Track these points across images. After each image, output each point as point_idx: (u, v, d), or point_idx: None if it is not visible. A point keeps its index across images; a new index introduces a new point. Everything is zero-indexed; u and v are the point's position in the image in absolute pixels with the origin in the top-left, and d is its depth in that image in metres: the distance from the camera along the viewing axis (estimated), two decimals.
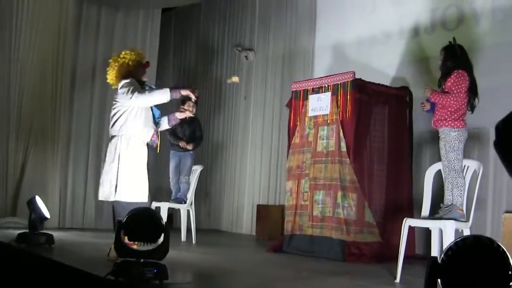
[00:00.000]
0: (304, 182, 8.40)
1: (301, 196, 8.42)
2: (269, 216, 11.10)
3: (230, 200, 12.82)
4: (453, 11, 8.61)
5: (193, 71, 14.33)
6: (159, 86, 7.53)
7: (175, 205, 9.81)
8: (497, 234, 7.28)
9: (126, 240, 5.31)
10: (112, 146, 6.78)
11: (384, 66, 9.35)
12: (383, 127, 8.37)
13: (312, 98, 8.45)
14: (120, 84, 6.82)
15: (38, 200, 7.89)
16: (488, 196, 7.78)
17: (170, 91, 6.78)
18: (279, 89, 11.75)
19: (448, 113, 6.32)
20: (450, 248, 3.00)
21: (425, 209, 6.62)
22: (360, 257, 7.60)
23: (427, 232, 7.64)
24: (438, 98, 6.39)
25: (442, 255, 3.00)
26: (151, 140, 6.87)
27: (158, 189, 11.11)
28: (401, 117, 8.59)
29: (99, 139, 11.94)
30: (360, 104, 8.00)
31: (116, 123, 6.79)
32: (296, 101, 8.75)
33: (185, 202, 9.78)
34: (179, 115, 7.44)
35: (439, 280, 3.00)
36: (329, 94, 8.21)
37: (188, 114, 7.75)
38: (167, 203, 9.62)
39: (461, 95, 6.30)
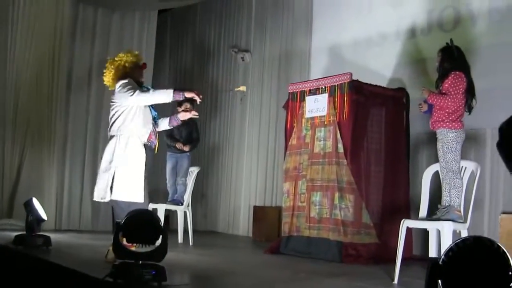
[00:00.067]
0: (301, 184, 8.40)
1: (298, 198, 8.42)
2: (265, 217, 11.09)
3: (226, 202, 12.82)
4: (450, 12, 8.62)
5: (189, 73, 14.33)
6: (156, 87, 7.47)
7: (172, 207, 9.80)
8: (494, 235, 7.29)
9: (124, 242, 5.32)
10: (110, 146, 6.76)
11: (381, 68, 9.36)
12: (380, 128, 8.37)
13: (309, 100, 8.46)
14: (118, 84, 6.81)
15: (35, 202, 7.89)
16: (485, 197, 7.79)
17: (173, 92, 6.76)
18: (276, 90, 11.75)
19: (446, 114, 6.33)
20: (450, 249, 3.00)
21: (423, 210, 6.63)
22: (357, 258, 7.61)
23: (424, 233, 7.65)
24: (435, 100, 6.40)
25: (443, 256, 3.01)
26: (149, 141, 6.86)
27: (154, 191, 11.10)
28: (398, 118, 8.59)
29: (95, 140, 11.93)
30: (357, 106, 8.00)
31: (115, 124, 6.77)
32: (293, 103, 8.75)
33: (182, 204, 9.77)
34: (182, 116, 7.38)
35: (439, 281, 3.00)
36: (326, 95, 8.21)
37: (192, 115, 7.60)
38: (164, 204, 9.62)
39: (459, 97, 6.31)
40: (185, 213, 9.79)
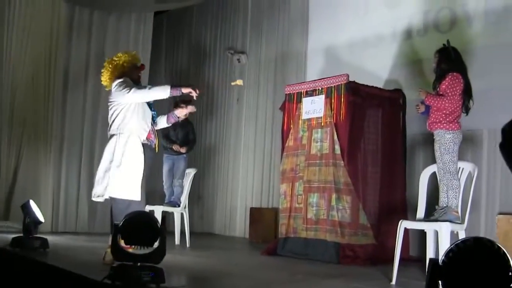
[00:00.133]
0: (298, 185, 8.40)
1: (295, 199, 8.42)
2: (262, 219, 11.11)
3: (223, 203, 12.82)
4: (446, 14, 8.63)
5: (185, 74, 14.31)
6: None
7: (169, 209, 9.78)
8: (491, 235, 7.30)
9: (122, 243, 5.32)
10: (110, 145, 6.74)
11: (377, 69, 9.36)
12: (376, 129, 8.38)
13: (306, 101, 8.46)
14: (114, 83, 6.80)
15: (32, 204, 7.88)
16: (482, 198, 7.81)
17: (171, 88, 6.75)
18: (272, 92, 11.76)
19: (443, 115, 6.34)
20: (450, 250, 3.01)
21: (420, 211, 6.64)
22: (355, 259, 7.61)
23: (420, 234, 7.67)
24: (433, 101, 6.41)
25: (443, 257, 3.01)
26: (148, 139, 6.85)
27: (151, 193, 11.08)
28: (394, 119, 8.61)
29: (92, 141, 11.91)
30: (354, 107, 8.01)
31: (114, 122, 6.76)
32: (290, 104, 8.75)
33: (179, 206, 9.77)
34: (179, 112, 7.36)
35: (440, 281, 3.00)
36: (322, 97, 8.22)
37: (190, 110, 7.56)
38: (161, 206, 9.62)
39: (456, 98, 6.32)
40: (182, 214, 9.79)
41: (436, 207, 6.41)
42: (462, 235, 6.15)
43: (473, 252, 2.98)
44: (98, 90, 11.05)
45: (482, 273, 2.93)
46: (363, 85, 8.21)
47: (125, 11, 12.49)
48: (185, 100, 7.73)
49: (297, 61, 11.25)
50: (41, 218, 7.91)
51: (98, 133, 11.83)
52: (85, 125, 11.96)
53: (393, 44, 9.34)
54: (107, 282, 5.02)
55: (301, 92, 8.59)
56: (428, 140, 7.89)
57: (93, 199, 6.89)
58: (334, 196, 7.82)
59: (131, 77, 6.97)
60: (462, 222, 6.22)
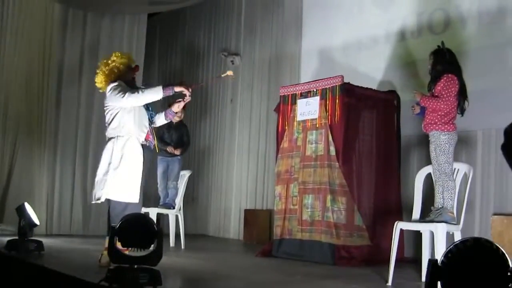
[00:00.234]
0: (293, 187, 8.41)
1: (290, 201, 8.43)
2: (256, 220, 11.13)
3: (217, 205, 12.83)
4: (440, 15, 8.65)
5: (178, 76, 14.30)
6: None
7: (164, 211, 9.78)
8: (486, 236, 7.28)
9: (119, 246, 5.32)
10: (108, 148, 6.76)
11: (371, 70, 9.38)
12: (371, 130, 8.39)
13: (301, 103, 8.47)
14: (109, 88, 6.81)
15: (28, 206, 7.86)
16: (476, 199, 7.82)
17: (163, 89, 6.75)
18: (266, 93, 11.77)
19: (439, 117, 6.35)
20: (450, 251, 3.02)
21: (416, 212, 6.65)
22: (350, 260, 7.62)
23: (415, 235, 7.71)
24: (428, 102, 6.42)
25: (442, 258, 3.02)
26: (147, 140, 6.85)
27: (145, 195, 11.08)
28: (389, 120, 8.63)
29: (86, 144, 11.89)
30: (349, 108, 8.03)
31: (111, 125, 6.78)
32: (285, 106, 8.77)
33: (174, 208, 9.76)
34: (175, 108, 7.33)
35: (439, 282, 3.02)
36: (317, 98, 8.23)
37: (186, 100, 7.45)
38: (156, 208, 9.60)
39: (451, 99, 6.34)
40: (176, 216, 9.79)
41: (432, 208, 6.42)
42: (457, 236, 6.17)
43: (472, 253, 2.99)
44: (92, 92, 11.02)
45: (481, 274, 2.94)
46: (357, 86, 8.23)
47: (119, 13, 12.47)
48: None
49: (291, 62, 11.26)
50: (36, 220, 7.89)
51: (92, 136, 11.83)
52: (79, 126, 11.93)
53: (387, 45, 9.36)
54: (104, 285, 5.02)
55: (295, 93, 8.61)
56: (423, 141, 7.91)
57: (93, 201, 6.87)
58: (329, 197, 7.83)
59: (126, 79, 6.98)
60: (458, 223, 6.24)
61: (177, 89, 6.85)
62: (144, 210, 8.83)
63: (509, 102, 7.58)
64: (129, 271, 5.08)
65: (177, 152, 9.95)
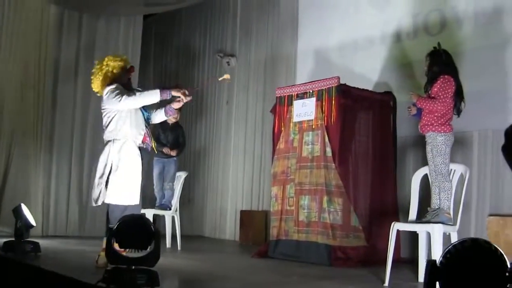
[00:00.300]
0: (290, 188, 8.41)
1: (287, 202, 8.43)
2: (252, 221, 11.14)
3: (213, 206, 12.83)
4: (436, 16, 8.67)
5: (174, 78, 14.29)
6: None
7: (160, 212, 9.79)
8: (481, 236, 7.30)
9: (116, 247, 5.31)
10: (105, 151, 6.76)
11: (367, 71, 9.40)
12: (367, 132, 8.40)
13: (297, 104, 8.48)
14: (106, 91, 6.80)
15: (24, 208, 7.85)
16: (472, 199, 7.84)
17: (160, 92, 6.76)
18: (261, 95, 11.78)
19: (435, 118, 6.36)
20: (448, 251, 3.03)
21: (412, 213, 6.66)
22: (346, 261, 7.63)
23: (411, 236, 7.71)
24: (424, 104, 6.43)
25: (441, 258, 3.03)
26: (144, 142, 6.85)
27: (142, 196, 11.09)
28: (385, 121, 8.63)
29: (81, 145, 11.90)
30: (345, 109, 8.03)
31: (108, 129, 6.78)
32: (281, 107, 8.77)
33: (170, 209, 9.77)
34: (176, 105, 7.29)
35: (437, 283, 3.03)
36: (313, 99, 8.24)
37: (186, 100, 7.15)
38: (152, 209, 9.59)
39: (448, 100, 6.34)
40: (173, 218, 9.79)
41: (428, 209, 6.43)
42: (454, 237, 6.19)
43: (470, 253, 3.00)
44: (88, 93, 10.99)
45: (479, 274, 2.95)
46: (354, 87, 8.24)
47: (114, 14, 12.46)
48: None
49: (286, 63, 11.27)
50: (32, 222, 7.88)
51: (88, 137, 11.85)
52: (75, 127, 11.93)
53: (383, 46, 9.38)
54: (102, 285, 5.01)
55: (292, 95, 8.61)
56: (419, 142, 7.92)
57: (93, 205, 6.87)
58: (325, 198, 7.84)
59: (122, 81, 6.97)
60: (454, 224, 6.25)
61: (174, 92, 6.87)
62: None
63: (505, 103, 7.62)
64: (126, 272, 5.08)
65: (173, 153, 9.96)
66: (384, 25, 9.36)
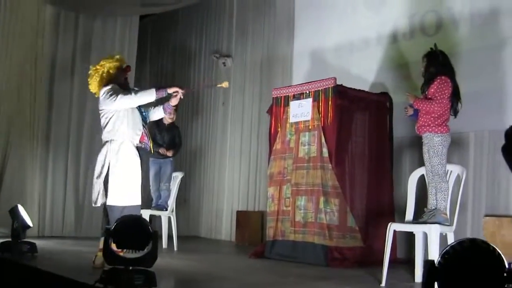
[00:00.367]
0: (286, 188, 8.42)
1: (283, 202, 8.44)
2: (248, 222, 11.15)
3: (209, 206, 12.84)
4: (432, 17, 8.67)
5: (170, 78, 14.30)
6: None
7: (156, 212, 9.79)
8: (478, 237, 7.29)
9: (114, 247, 5.32)
10: (102, 152, 6.77)
11: (363, 72, 9.40)
12: (364, 132, 8.41)
13: (293, 104, 8.48)
14: (102, 92, 6.81)
15: (21, 208, 7.86)
16: (468, 200, 7.84)
17: (156, 91, 6.76)
18: (258, 95, 11.78)
19: (432, 119, 6.37)
20: (446, 252, 3.04)
21: (409, 214, 6.68)
22: (343, 262, 7.64)
23: (407, 236, 7.74)
24: (421, 105, 6.44)
25: (439, 258, 3.04)
26: (142, 142, 6.85)
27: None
28: (381, 122, 8.65)
29: (78, 146, 11.89)
30: (342, 110, 8.04)
31: (105, 129, 6.79)
32: (277, 108, 8.78)
33: (166, 209, 9.77)
34: (174, 102, 7.27)
35: (436, 283, 3.04)
36: (310, 100, 8.25)
37: (184, 91, 7.14)
38: (149, 210, 9.59)
39: (445, 101, 6.35)
40: (169, 218, 9.80)
41: (425, 209, 6.44)
42: (451, 237, 6.20)
43: (468, 254, 3.01)
44: (84, 93, 10.96)
45: (477, 274, 2.96)
46: (350, 88, 8.25)
47: (111, 15, 12.46)
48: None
49: (283, 64, 11.26)
50: (29, 222, 7.89)
51: (84, 135, 11.86)
52: (71, 127, 11.92)
53: (379, 47, 9.37)
54: (99, 286, 5.02)
55: (288, 95, 8.62)
56: (415, 143, 7.95)
57: (94, 205, 6.87)
58: (322, 199, 7.85)
59: (119, 81, 6.97)
60: (451, 224, 6.27)
61: (170, 90, 6.89)
62: None
63: (501, 104, 7.63)
64: (124, 273, 5.09)
65: (170, 153, 9.96)
66: (380, 26, 9.35)
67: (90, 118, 11.63)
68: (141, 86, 13.11)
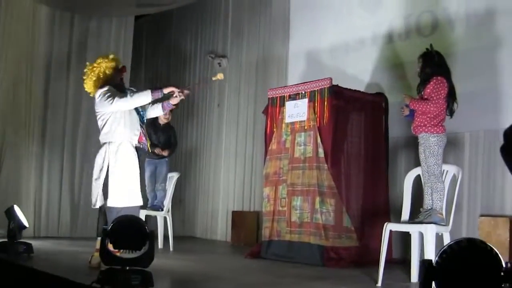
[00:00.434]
0: (282, 188, 8.43)
1: (279, 202, 8.45)
2: (244, 222, 11.15)
3: (204, 207, 12.84)
4: (427, 17, 8.69)
5: (165, 79, 14.29)
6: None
7: (152, 213, 9.78)
8: (473, 236, 7.34)
9: (110, 247, 5.32)
10: (100, 153, 6.75)
11: (359, 72, 9.42)
12: (359, 132, 8.42)
13: (289, 105, 8.49)
14: (97, 94, 6.78)
15: (17, 209, 7.85)
16: (463, 200, 7.86)
17: (151, 92, 6.76)
18: (253, 96, 11.78)
19: (428, 119, 6.38)
20: (444, 251, 3.05)
21: (405, 214, 6.68)
22: (339, 261, 7.65)
23: (403, 236, 7.75)
24: (417, 105, 6.45)
25: (437, 258, 3.06)
26: (140, 142, 6.85)
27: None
28: (377, 122, 8.65)
29: (73, 147, 11.88)
30: (337, 110, 8.05)
31: (103, 131, 6.77)
32: (273, 108, 8.79)
33: (162, 210, 9.77)
34: (174, 101, 7.24)
35: (433, 282, 3.05)
36: (306, 100, 8.26)
37: (185, 95, 7.18)
38: (144, 210, 9.55)
39: (441, 101, 6.36)
40: (165, 218, 9.80)
41: (421, 209, 6.46)
42: (447, 237, 6.21)
43: (466, 253, 3.03)
44: (79, 93, 10.96)
45: (475, 273, 2.98)
46: (346, 88, 8.27)
47: (106, 15, 12.45)
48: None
49: (278, 65, 11.28)
50: (25, 223, 7.88)
51: (79, 138, 11.85)
52: (66, 128, 11.91)
53: (375, 48, 9.39)
54: (96, 286, 5.02)
55: (284, 96, 8.63)
56: (410, 143, 7.96)
57: (93, 207, 6.86)
58: (318, 199, 7.86)
59: (114, 81, 6.96)
60: (447, 224, 6.28)
61: (166, 90, 6.88)
62: None
63: (497, 104, 7.66)
64: (120, 273, 5.10)
65: (165, 153, 9.95)
66: (376, 26, 9.37)
67: (85, 118, 11.62)
68: (136, 87, 13.16)
